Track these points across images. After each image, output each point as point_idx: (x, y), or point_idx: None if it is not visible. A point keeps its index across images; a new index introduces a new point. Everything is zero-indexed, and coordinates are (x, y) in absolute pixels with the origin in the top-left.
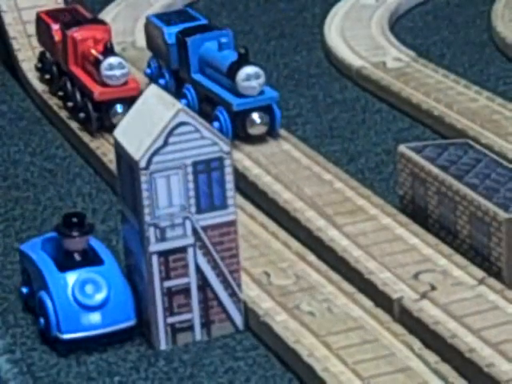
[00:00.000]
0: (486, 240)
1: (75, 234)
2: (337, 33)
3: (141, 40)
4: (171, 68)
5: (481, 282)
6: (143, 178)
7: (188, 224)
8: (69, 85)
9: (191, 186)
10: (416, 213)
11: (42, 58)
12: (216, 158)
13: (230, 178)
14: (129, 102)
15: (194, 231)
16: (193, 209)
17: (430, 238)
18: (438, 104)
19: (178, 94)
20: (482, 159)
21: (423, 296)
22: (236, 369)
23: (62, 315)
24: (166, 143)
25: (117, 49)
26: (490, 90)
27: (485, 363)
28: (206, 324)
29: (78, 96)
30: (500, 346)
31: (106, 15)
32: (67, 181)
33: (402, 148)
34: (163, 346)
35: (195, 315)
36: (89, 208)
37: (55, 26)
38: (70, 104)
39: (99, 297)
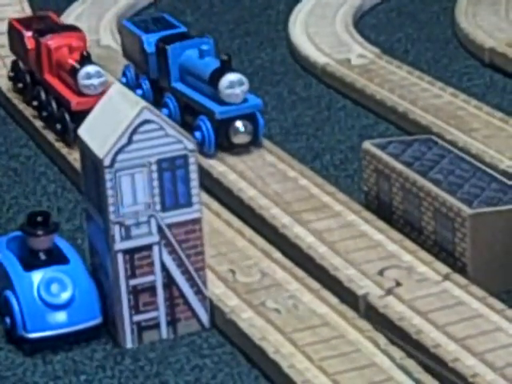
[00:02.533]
0: (451, 236)
1: (40, 232)
2: (301, 30)
3: (106, 38)
4: (150, 77)
5: (445, 277)
6: (108, 177)
7: (153, 222)
8: (43, 94)
9: (156, 183)
10: (381, 209)
11: (14, 66)
12: (180, 156)
13: (194, 175)
14: None
15: (159, 229)
16: (158, 207)
17: (395, 234)
18: (402, 100)
19: (156, 104)
20: (445, 155)
21: (388, 292)
22: (202, 366)
23: (28, 314)
24: (130, 141)
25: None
26: (453, 87)
27: (450, 358)
28: (172, 322)
29: (54, 106)
30: (465, 341)
31: (71, 13)
32: (32, 180)
33: (367, 144)
34: (129, 345)
35: (161, 313)
36: (54, 207)
37: (28, 34)
38: (45, 114)
39: (65, 296)
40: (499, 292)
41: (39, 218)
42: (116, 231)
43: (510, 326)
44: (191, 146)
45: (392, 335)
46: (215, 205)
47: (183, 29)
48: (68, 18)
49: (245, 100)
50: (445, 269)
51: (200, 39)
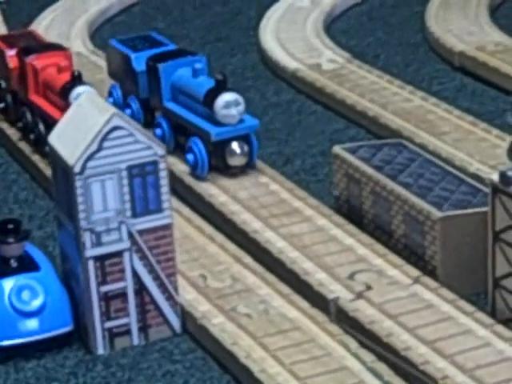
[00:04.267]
0: (421, 239)
1: (11, 240)
2: (272, 35)
3: (77, 46)
4: (139, 96)
5: (416, 280)
6: (78, 183)
7: (124, 228)
8: (29, 115)
9: (126, 190)
10: (351, 213)
11: None
12: (151, 162)
13: (164, 181)
14: None
15: (130, 235)
16: (128, 213)
17: (366, 238)
18: (372, 104)
19: (147, 124)
20: (415, 159)
21: (359, 296)
22: (174, 372)
23: None
24: (100, 148)
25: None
26: (424, 90)
27: (420, 361)
28: (144, 328)
29: (42, 128)
30: (435, 343)
31: (42, 21)
32: (4, 187)
33: (337, 149)
34: (101, 351)
35: (132, 319)
36: (26, 214)
37: (10, 52)
38: (32, 136)
39: (36, 303)
40: (469, 294)
41: (10, 226)
42: (87, 238)
43: (480, 328)
44: (161, 151)
45: (362, 336)
46: (186, 210)
47: (172, 46)
48: (39, 25)
49: (241, 120)
50: (415, 272)
51: (192, 57)
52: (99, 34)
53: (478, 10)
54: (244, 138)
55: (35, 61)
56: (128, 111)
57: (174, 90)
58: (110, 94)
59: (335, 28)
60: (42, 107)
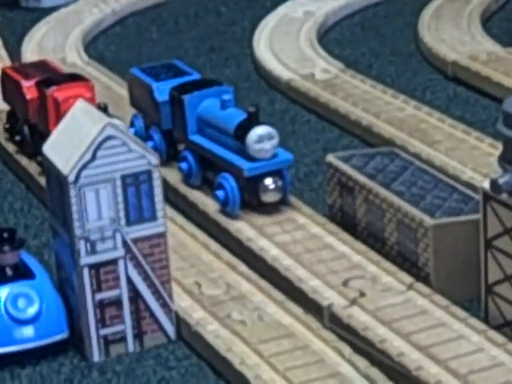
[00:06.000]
0: (414, 246)
1: (6, 248)
2: (266, 46)
3: (71, 57)
4: (162, 128)
5: (409, 287)
6: (72, 192)
7: (118, 236)
8: None
9: (120, 198)
10: (345, 221)
11: (10, 117)
12: (144, 171)
13: (158, 190)
14: None
15: (124, 243)
16: (122, 221)
17: (359, 246)
18: (365, 114)
19: (169, 157)
20: (408, 167)
21: (353, 302)
22: (169, 378)
23: None
24: (94, 157)
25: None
26: (417, 100)
27: (414, 366)
28: (139, 335)
29: None
30: (429, 349)
31: (36, 32)
32: None
33: (330, 157)
34: (96, 358)
35: (127, 326)
36: (21, 223)
37: (26, 83)
38: None
39: (31, 310)
40: (462, 301)
41: (5, 235)
42: (81, 246)
43: (473, 334)
44: (155, 160)
45: (356, 339)
46: (180, 218)
47: (196, 75)
48: (33, 37)
49: (274, 155)
50: (408, 279)
51: (219, 88)
52: (94, 45)
53: (470, 20)
54: (277, 173)
55: (56, 92)
56: (150, 143)
57: (199, 122)
58: (132, 124)
59: (328, 38)
60: None
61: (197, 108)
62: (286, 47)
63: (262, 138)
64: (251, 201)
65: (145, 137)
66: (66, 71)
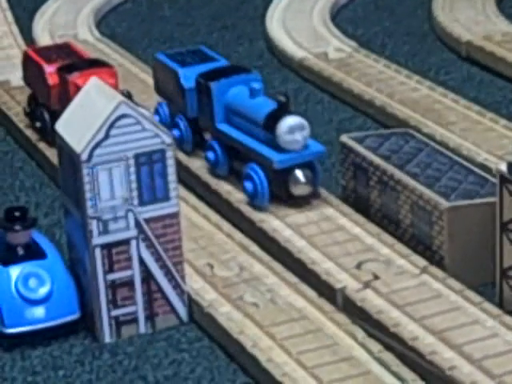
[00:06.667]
0: (428, 229)
1: (18, 227)
2: (278, 24)
3: (83, 33)
4: (187, 116)
5: (423, 270)
6: (85, 171)
7: (131, 216)
8: None
9: (133, 178)
10: (358, 203)
11: (30, 101)
12: (158, 150)
13: (172, 169)
14: None
15: (137, 223)
16: (135, 201)
17: (373, 228)
18: (379, 94)
19: (195, 145)
20: (423, 148)
21: (366, 285)
22: (180, 360)
23: (6, 309)
24: (107, 136)
25: (59, 42)
26: (431, 80)
27: (428, 351)
28: (150, 316)
29: None
30: (442, 333)
31: (48, 9)
32: (10, 175)
33: (344, 138)
34: (107, 339)
35: (139, 308)
36: (32, 202)
37: (49, 69)
38: None
39: (43, 290)
40: (476, 285)
41: (17, 213)
42: (94, 226)
43: (487, 319)
44: (168, 140)
45: (367, 325)
46: (193, 199)
47: (224, 61)
48: (44, 14)
49: (305, 146)
50: (422, 262)
51: (247, 75)
52: (105, 22)
53: None
54: (307, 165)
55: (78, 79)
56: (176, 131)
57: (227, 110)
58: (157, 112)
59: (342, 17)
60: None
61: (224, 96)
62: (299, 26)
63: (292, 128)
64: (280, 193)
65: (170, 125)
66: (90, 55)
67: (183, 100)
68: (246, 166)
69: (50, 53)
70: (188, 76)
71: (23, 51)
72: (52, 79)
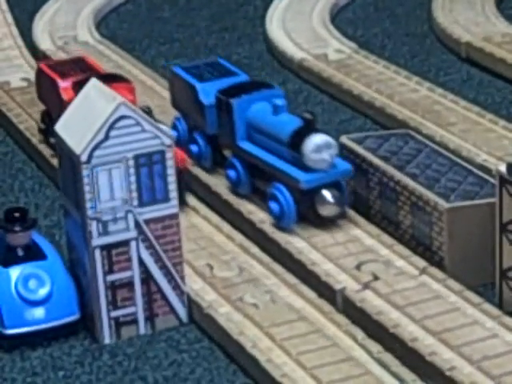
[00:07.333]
0: (428, 230)
1: (18, 229)
2: (278, 25)
3: (83, 35)
4: (207, 133)
5: (423, 271)
6: (85, 172)
7: (130, 217)
8: None
9: (133, 179)
10: (358, 204)
11: (44, 118)
12: (157, 152)
13: (171, 171)
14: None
15: (137, 224)
16: (135, 202)
17: (372, 229)
18: (379, 95)
19: (215, 163)
20: (422, 149)
21: (366, 286)
22: (180, 361)
23: (6, 310)
24: (107, 137)
25: (58, 43)
26: (430, 81)
27: (427, 352)
28: (150, 317)
29: None
30: (442, 334)
31: (47, 10)
32: (10, 176)
33: (344, 139)
34: (107, 340)
35: (139, 308)
36: (31, 203)
37: (63, 84)
38: None
39: (43, 291)
40: (476, 286)
41: (17, 214)
42: (93, 227)
43: (487, 320)
44: (168, 141)
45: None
46: (193, 200)
47: (244, 76)
48: (44, 15)
49: (332, 165)
50: (422, 263)
51: (270, 91)
52: (105, 23)
53: (485, 0)
54: (335, 185)
55: None
56: (194, 147)
57: (248, 127)
58: (174, 127)
59: (342, 18)
60: None
61: (246, 113)
62: (299, 27)
63: (319, 147)
64: (307, 214)
65: (188, 141)
66: (105, 70)
67: (202, 116)
68: (269, 185)
69: (63, 67)
70: (207, 91)
71: (36, 66)
72: (66, 94)
